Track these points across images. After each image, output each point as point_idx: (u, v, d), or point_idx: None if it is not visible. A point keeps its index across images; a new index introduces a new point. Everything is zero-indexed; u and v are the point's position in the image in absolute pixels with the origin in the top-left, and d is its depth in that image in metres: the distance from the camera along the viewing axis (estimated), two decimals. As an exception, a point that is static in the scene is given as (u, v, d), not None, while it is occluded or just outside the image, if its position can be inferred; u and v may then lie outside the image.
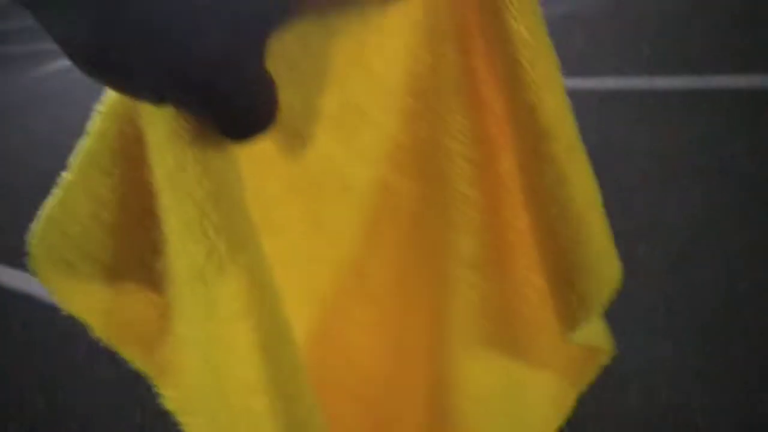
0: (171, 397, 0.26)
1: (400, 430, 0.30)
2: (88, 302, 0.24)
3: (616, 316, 1.35)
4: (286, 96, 0.21)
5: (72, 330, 1.66)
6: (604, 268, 0.26)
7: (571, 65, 3.08)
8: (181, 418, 0.25)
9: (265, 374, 0.21)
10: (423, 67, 0.25)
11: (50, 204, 0.23)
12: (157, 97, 0.18)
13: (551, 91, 0.25)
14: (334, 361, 0.28)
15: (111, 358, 1.41)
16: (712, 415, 1.16)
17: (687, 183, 1.93)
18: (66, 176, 0.23)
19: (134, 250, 0.23)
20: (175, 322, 0.23)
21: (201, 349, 0.21)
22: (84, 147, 0.23)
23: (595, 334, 0.31)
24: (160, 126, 0.19)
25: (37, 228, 0.24)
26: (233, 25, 0.17)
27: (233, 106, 0.18)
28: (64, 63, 5.73)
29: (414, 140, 0.25)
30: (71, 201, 0.23)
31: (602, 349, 0.32)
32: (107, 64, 0.16)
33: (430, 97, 0.25)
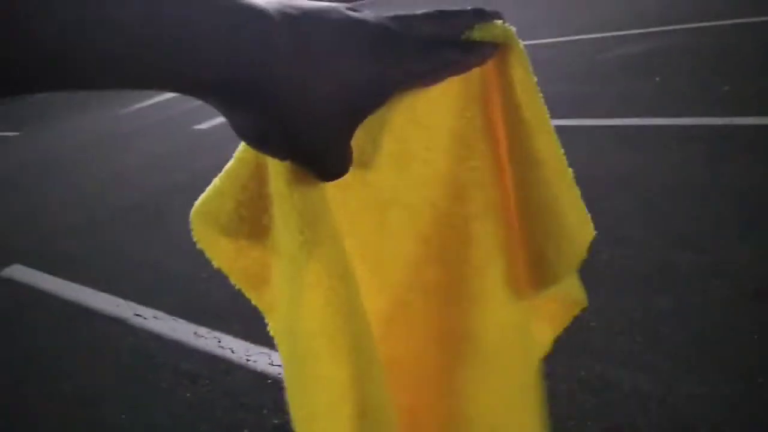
0: (272, 329, 0.37)
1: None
2: (222, 257, 0.36)
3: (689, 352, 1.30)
4: (359, 141, 0.32)
5: (158, 357, 1.77)
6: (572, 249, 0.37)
7: (647, 103, 2.79)
8: (278, 346, 0.36)
9: (330, 323, 0.31)
10: (459, 120, 0.36)
11: (206, 194, 0.35)
12: (283, 159, 0.30)
13: (542, 131, 0.35)
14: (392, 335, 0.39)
15: (192, 383, 1.51)
16: None
17: (765, 222, 1.84)
18: (216, 181, 0.35)
19: (254, 227, 0.35)
20: (275, 278, 0.35)
21: (287, 302, 0.33)
22: (230, 165, 0.34)
23: (572, 288, 0.42)
24: (278, 166, 0.30)
25: (196, 206, 0.35)
26: (340, 131, 0.29)
27: (325, 166, 0.30)
28: (143, 104, 6.10)
29: (452, 171, 0.37)
30: (219, 196, 0.35)
31: (578, 300, 0.43)
32: (263, 145, 0.29)
33: (462, 141, 0.36)
